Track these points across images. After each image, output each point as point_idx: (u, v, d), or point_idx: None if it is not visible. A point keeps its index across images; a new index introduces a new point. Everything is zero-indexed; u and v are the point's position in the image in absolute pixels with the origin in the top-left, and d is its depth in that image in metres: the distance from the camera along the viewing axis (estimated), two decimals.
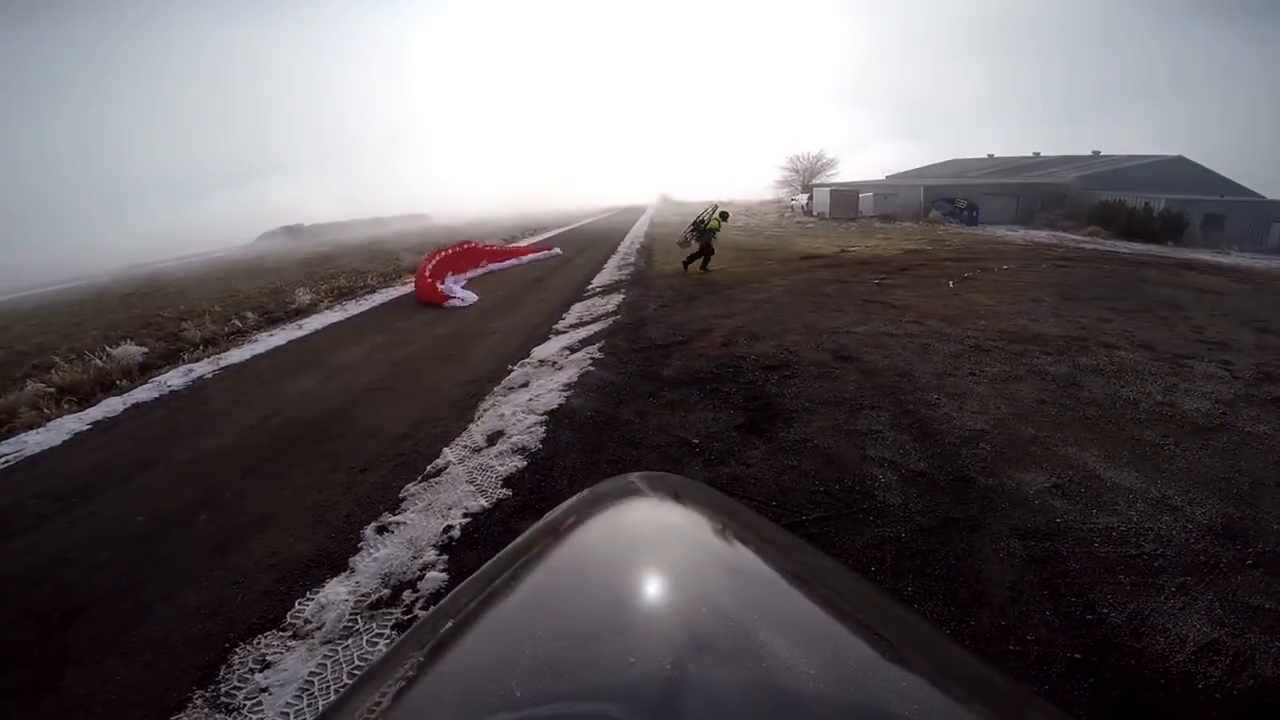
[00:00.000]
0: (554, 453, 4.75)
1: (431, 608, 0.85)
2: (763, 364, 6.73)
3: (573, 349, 7.61)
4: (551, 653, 0.68)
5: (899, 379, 6.38)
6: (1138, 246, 25.11)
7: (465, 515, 3.88)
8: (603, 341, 7.82)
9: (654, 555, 0.91)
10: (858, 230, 27.47)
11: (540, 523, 1.06)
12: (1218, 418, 5.80)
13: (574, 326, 8.91)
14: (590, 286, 12.69)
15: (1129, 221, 29.23)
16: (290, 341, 9.75)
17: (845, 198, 35.99)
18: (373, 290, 14.37)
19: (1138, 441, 5.17)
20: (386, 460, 4.98)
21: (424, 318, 10.44)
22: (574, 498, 1.12)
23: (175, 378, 8.16)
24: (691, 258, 13.64)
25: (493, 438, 5.14)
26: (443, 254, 13.98)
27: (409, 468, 4.78)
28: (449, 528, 3.77)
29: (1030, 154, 49.81)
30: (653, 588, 0.81)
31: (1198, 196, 32.50)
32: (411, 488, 4.37)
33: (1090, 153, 45.17)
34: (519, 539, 1.00)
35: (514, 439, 5.02)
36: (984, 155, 54.50)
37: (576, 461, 4.61)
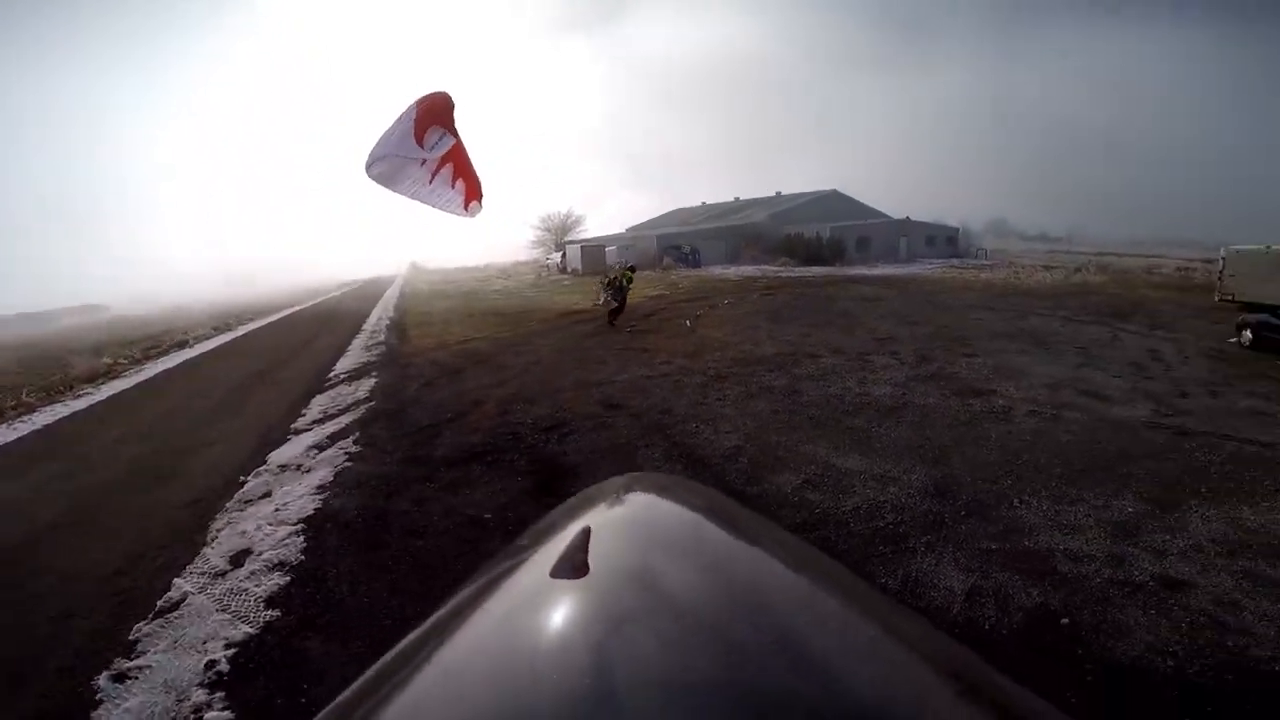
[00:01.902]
0: (321, 562, 4.23)
1: (432, 609, 0.84)
2: (541, 426, 6.77)
3: (321, 447, 6.77)
4: (551, 653, 0.67)
5: (662, 415, 6.93)
6: (817, 270, 31.12)
7: (228, 646, 3.44)
8: (358, 433, 7.11)
9: (654, 554, 0.89)
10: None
11: (539, 523, 1.04)
12: (900, 398, 7.39)
13: (319, 422, 7.91)
14: (333, 373, 11.40)
15: (807, 250, 36.09)
16: None
17: (594, 253, 38.32)
18: (31, 409, 11.08)
19: (852, 430, 6.31)
20: (101, 601, 4.04)
21: (115, 434, 8.37)
22: (573, 498, 1.10)
23: None
24: (614, 313, 14.31)
25: (238, 558, 4.45)
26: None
27: (134, 605, 3.95)
28: (212, 662, 3.30)
29: (732, 199, 58.80)
30: (653, 587, 0.79)
31: (851, 222, 41.51)
32: (144, 627, 3.73)
33: (774, 193, 54.77)
34: (517, 540, 0.98)
35: (266, 555, 4.41)
36: (699, 203, 62.88)
37: (353, 565, 4.13)
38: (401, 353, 12.89)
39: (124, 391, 11.71)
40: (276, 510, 5.20)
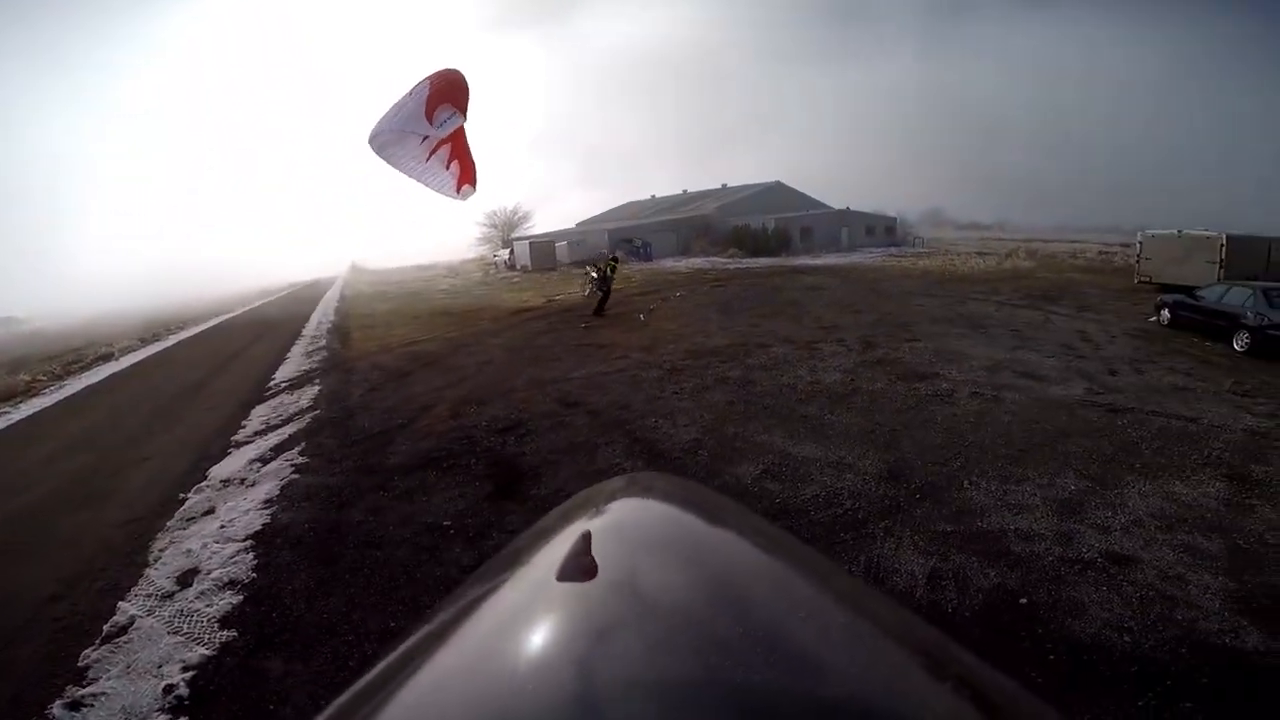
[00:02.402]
0: (275, 579, 4.09)
1: (430, 607, 0.84)
2: (496, 427, 6.63)
3: (265, 459, 6.46)
4: (550, 653, 0.66)
5: (621, 411, 6.89)
6: (764, 260, 31.64)
7: (185, 669, 3.34)
8: (304, 443, 6.80)
9: (653, 555, 0.89)
10: (559, 278, 29.04)
11: (539, 523, 1.04)
12: (849, 384, 7.56)
13: (260, 433, 7.54)
14: (273, 382, 10.87)
15: (755, 241, 36.63)
16: None
17: (544, 249, 37.62)
18: None
19: (805, 418, 6.42)
20: (40, 628, 3.85)
21: (38, 454, 7.78)
22: (573, 498, 1.10)
23: None
24: (601, 303, 14.72)
25: (185, 578, 4.28)
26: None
27: (78, 632, 3.77)
28: (170, 687, 3.20)
29: (681, 191, 59.03)
30: (652, 587, 0.79)
31: (794, 213, 42.30)
32: (92, 654, 3.58)
33: (720, 185, 55.21)
34: (517, 540, 0.99)
35: (215, 574, 4.26)
36: (649, 196, 62.76)
37: (309, 580, 4.00)
38: (345, 358, 12.42)
39: (45, 410, 10.91)
40: (222, 527, 4.99)
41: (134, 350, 18.73)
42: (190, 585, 4.21)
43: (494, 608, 0.79)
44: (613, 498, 1.07)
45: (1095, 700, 2.69)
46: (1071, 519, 4.20)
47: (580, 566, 0.81)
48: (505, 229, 51.53)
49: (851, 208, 44.68)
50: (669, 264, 32.06)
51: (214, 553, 4.61)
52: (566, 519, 0.98)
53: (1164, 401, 6.79)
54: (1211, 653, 2.95)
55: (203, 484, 6.01)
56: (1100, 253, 32.38)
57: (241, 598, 3.94)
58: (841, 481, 4.87)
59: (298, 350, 14.37)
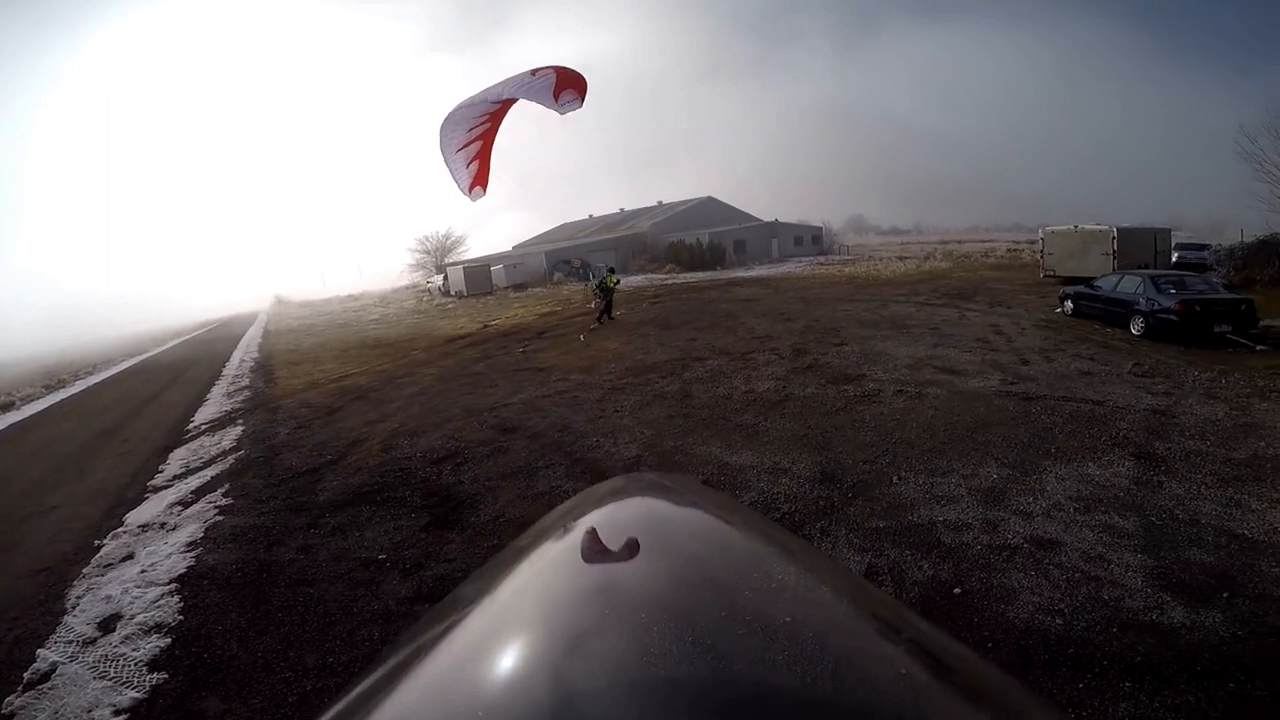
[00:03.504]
0: (205, 620, 3.93)
1: (433, 605, 0.87)
2: (432, 458, 6.45)
3: (186, 503, 6.12)
4: (552, 649, 0.68)
5: (561, 434, 6.84)
6: (700, 275, 32.25)
7: (117, 712, 3.24)
8: (228, 484, 6.45)
9: (653, 552, 0.90)
10: (496, 303, 28.68)
11: (539, 523, 1.06)
12: (782, 392, 7.77)
13: (180, 477, 7.11)
14: (192, 424, 10.23)
15: (690, 257, 37.29)
16: None
17: (479, 273, 36.75)
18: None
19: (741, 426, 6.55)
20: None
21: None
22: (573, 498, 1.12)
23: None
24: (602, 312, 16.02)
25: (107, 623, 4.10)
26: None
27: None
28: None
29: (618, 210, 59.56)
30: (652, 585, 0.80)
31: (727, 228, 43.36)
32: (15, 700, 3.48)
33: (655, 202, 56.08)
34: (518, 539, 1.01)
35: (140, 618, 4.10)
36: (586, 216, 63.02)
37: (240, 621, 3.85)
38: (269, 396, 11.83)
39: None
40: (143, 571, 4.78)
41: (38, 398, 17.28)
42: (114, 630, 4.03)
43: (496, 603, 0.81)
44: (614, 496, 1.11)
45: (1038, 686, 2.72)
46: (996, 507, 4.41)
47: (588, 561, 0.84)
48: (438, 254, 50.45)
49: (780, 219, 46.13)
50: None
51: (136, 597, 4.44)
52: (568, 517, 1.01)
53: (1073, 387, 7.28)
54: (1141, 630, 3.04)
55: (119, 530, 5.69)
56: (1009, 250, 34.62)
57: (170, 640, 3.80)
58: (777, 486, 4.98)
59: (218, 391, 13.58)
